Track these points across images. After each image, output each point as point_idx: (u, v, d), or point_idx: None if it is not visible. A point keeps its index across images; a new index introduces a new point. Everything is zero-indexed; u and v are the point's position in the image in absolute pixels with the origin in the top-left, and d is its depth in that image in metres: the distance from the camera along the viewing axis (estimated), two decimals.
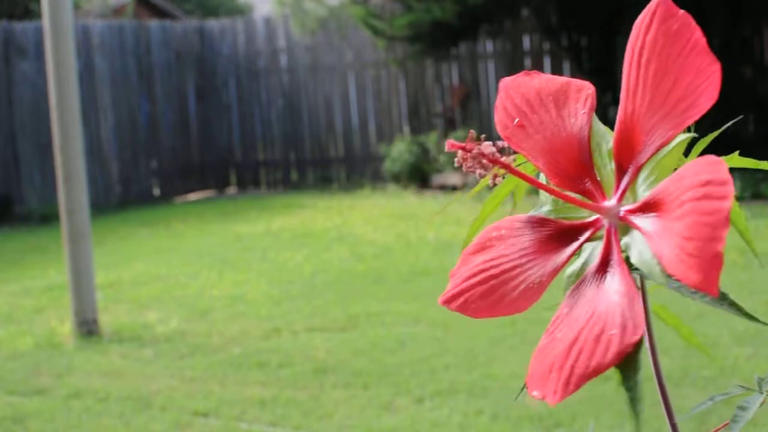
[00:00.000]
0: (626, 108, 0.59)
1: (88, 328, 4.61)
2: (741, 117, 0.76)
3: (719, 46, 8.43)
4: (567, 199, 0.62)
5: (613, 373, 0.54)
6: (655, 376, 0.64)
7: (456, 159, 0.59)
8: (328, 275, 5.75)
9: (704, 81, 0.55)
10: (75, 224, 4.62)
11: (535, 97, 0.65)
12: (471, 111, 9.83)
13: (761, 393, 0.71)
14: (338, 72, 10.42)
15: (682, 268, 0.50)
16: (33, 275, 6.23)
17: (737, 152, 0.68)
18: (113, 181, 9.91)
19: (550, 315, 0.59)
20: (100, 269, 5.53)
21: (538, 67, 9.59)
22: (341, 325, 4.57)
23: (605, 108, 8.06)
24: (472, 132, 0.60)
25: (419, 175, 9.38)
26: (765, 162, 0.69)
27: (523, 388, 0.58)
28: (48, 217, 8.52)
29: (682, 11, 0.57)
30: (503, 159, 0.59)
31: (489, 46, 9.81)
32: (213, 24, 11.03)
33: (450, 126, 9.79)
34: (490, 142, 0.59)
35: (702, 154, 0.71)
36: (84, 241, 4.64)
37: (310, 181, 10.57)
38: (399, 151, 9.48)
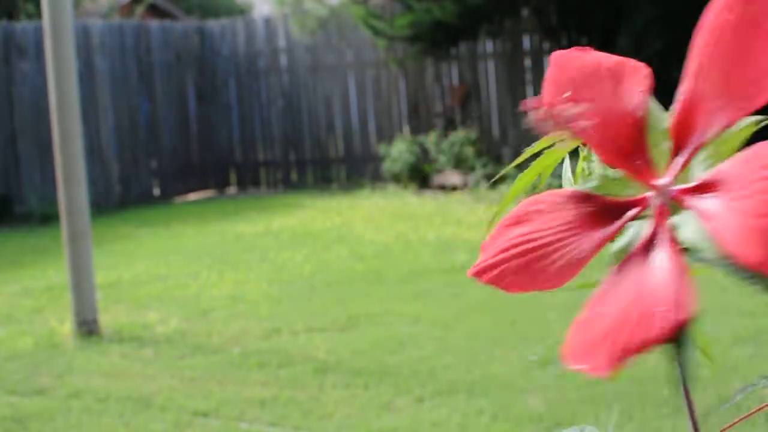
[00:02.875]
0: (691, 88, 0.58)
1: (88, 328, 4.60)
2: None
3: None
4: (627, 169, 0.61)
5: (663, 349, 0.54)
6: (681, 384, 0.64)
7: (534, 117, 0.59)
8: (328, 275, 5.75)
9: None
10: (75, 224, 4.62)
11: (592, 70, 0.64)
12: (471, 111, 9.83)
13: None
14: (338, 72, 10.42)
15: (746, 246, 0.50)
16: (33, 275, 6.23)
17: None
18: (113, 181, 9.91)
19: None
20: (100, 269, 5.53)
21: (538, 67, 9.60)
22: (341, 325, 4.57)
23: None
24: (566, 96, 0.60)
25: (419, 175, 9.38)
26: None
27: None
28: (48, 217, 8.51)
29: None
30: (582, 125, 0.59)
31: (489, 46, 9.81)
32: (213, 24, 11.03)
33: (450, 126, 9.78)
34: (573, 106, 0.59)
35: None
36: (84, 241, 4.64)
37: (310, 181, 10.57)
38: (399, 151, 9.48)
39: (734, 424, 0.68)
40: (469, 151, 9.16)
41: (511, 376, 3.68)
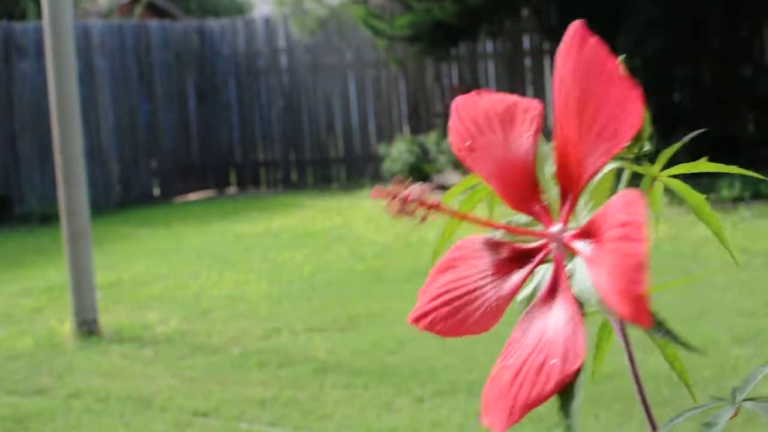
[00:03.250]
0: (559, 134, 0.59)
1: (88, 328, 4.60)
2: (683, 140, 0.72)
3: (719, 46, 8.43)
4: (509, 229, 0.63)
5: (554, 400, 0.56)
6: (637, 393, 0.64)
7: (385, 206, 0.60)
8: (328, 275, 5.75)
9: (625, 109, 0.54)
10: (75, 224, 4.62)
11: (483, 118, 0.65)
12: None
13: (733, 404, 0.69)
14: (338, 72, 10.42)
15: (614, 302, 0.51)
16: (33, 275, 6.23)
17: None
18: (113, 181, 9.91)
19: None
20: (100, 269, 5.52)
21: (538, 67, 9.60)
22: (341, 325, 4.57)
23: None
24: (399, 177, 0.61)
25: (419, 175, 9.37)
26: (732, 166, 0.68)
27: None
28: (48, 217, 8.51)
29: (594, 39, 0.56)
30: (431, 200, 0.60)
31: (489, 46, 9.81)
32: (213, 24, 11.02)
33: None
34: (418, 184, 0.60)
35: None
36: (84, 241, 4.64)
37: (310, 181, 10.57)
38: (399, 151, 9.48)
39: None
40: None
41: None
